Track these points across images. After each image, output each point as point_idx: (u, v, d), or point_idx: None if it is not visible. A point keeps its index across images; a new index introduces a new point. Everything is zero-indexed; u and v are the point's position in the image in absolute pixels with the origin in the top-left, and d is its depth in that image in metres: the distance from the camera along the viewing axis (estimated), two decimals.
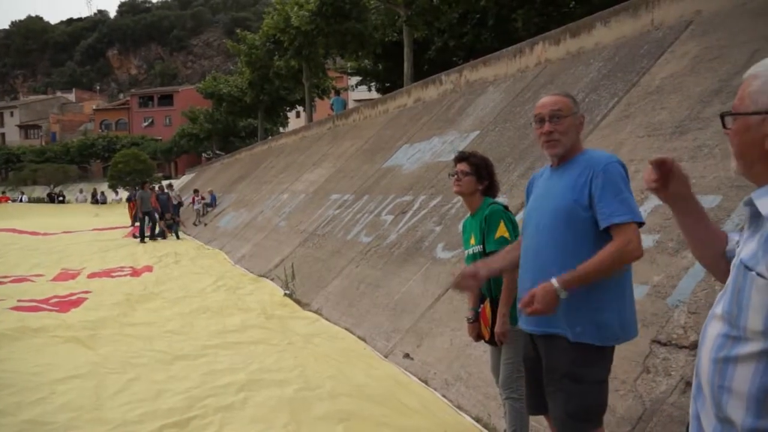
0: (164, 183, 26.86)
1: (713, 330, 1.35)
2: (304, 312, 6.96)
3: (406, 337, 5.11)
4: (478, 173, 3.12)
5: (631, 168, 4.52)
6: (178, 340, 5.83)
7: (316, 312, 6.84)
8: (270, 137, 29.62)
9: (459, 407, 3.86)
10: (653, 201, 4.01)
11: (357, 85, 29.51)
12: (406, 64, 16.19)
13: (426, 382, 4.34)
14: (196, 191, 21.22)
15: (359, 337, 5.66)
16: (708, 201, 3.61)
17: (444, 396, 4.07)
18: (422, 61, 20.58)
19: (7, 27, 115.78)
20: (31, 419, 3.82)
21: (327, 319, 6.46)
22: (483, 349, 3.30)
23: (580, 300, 2.20)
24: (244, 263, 10.95)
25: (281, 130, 36.64)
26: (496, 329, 2.95)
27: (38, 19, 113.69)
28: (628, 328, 2.30)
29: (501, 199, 3.20)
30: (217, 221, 17.46)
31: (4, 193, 47.88)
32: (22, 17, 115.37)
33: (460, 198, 6.36)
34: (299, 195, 12.62)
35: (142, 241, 15.99)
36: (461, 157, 3.20)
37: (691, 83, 4.87)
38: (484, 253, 3.02)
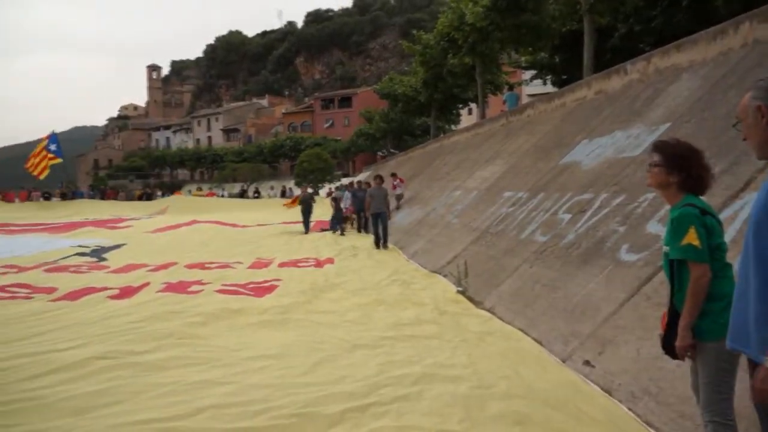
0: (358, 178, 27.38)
1: None
2: (476, 310, 6.94)
3: (586, 342, 4.85)
4: (669, 164, 2.78)
5: None
6: (357, 329, 6.15)
7: (489, 311, 6.78)
8: (442, 135, 29.95)
9: (648, 423, 3.57)
10: None
11: (531, 79, 28.63)
12: (585, 55, 15.31)
13: (609, 393, 4.08)
14: (393, 175, 18.82)
15: (534, 339, 5.50)
16: None
17: (630, 410, 3.78)
18: (603, 50, 19.30)
19: (212, 42, 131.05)
20: (230, 392, 4.27)
21: (500, 319, 6.37)
22: (677, 363, 3.01)
23: None
24: (417, 259, 11.21)
25: (453, 128, 36.88)
26: (677, 343, 2.67)
27: (238, 33, 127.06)
28: None
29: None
30: (393, 216, 18.02)
31: (210, 189, 54.64)
32: (224, 32, 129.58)
33: (647, 197, 5.93)
34: (471, 192, 12.59)
35: (377, 247, 13.76)
36: (654, 147, 2.93)
37: None
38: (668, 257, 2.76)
